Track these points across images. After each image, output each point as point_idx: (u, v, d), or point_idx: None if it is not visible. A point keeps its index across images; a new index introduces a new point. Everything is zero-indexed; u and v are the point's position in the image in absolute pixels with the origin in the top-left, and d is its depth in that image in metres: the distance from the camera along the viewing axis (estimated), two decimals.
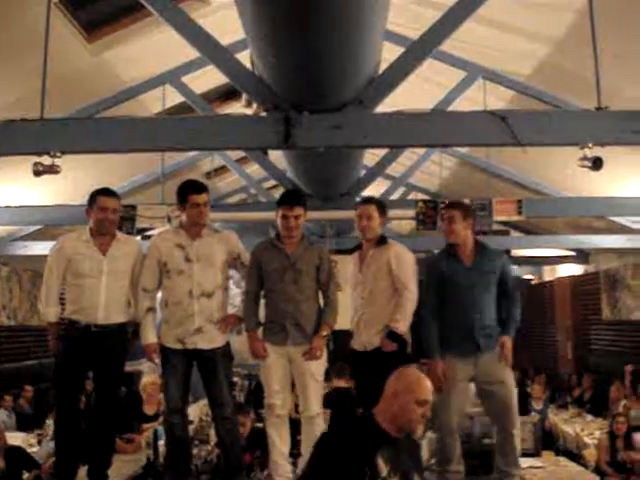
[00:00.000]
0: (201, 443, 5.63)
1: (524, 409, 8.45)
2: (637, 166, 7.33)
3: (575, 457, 7.80)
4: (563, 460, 5.95)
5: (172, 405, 4.62)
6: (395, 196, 11.60)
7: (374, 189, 9.61)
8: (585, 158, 4.60)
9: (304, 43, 3.79)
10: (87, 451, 4.77)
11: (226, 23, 6.09)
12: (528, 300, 15.39)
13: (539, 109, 6.23)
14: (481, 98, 7.00)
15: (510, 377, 4.58)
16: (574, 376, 12.02)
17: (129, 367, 6.20)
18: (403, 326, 4.55)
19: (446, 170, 11.28)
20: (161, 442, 5.35)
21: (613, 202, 7.65)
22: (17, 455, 6.35)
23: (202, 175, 10.79)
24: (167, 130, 4.75)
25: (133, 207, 7.70)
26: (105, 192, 4.71)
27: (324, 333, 4.58)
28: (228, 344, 4.73)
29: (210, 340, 4.59)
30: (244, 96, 7.15)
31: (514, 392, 4.56)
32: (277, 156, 8.69)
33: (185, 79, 7.39)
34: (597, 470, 7.30)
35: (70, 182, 6.86)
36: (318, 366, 4.60)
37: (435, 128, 4.62)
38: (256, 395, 8.47)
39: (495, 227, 8.46)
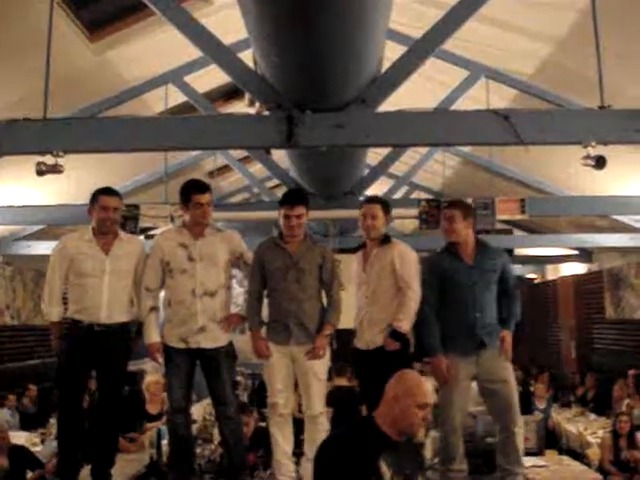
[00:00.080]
0: (204, 442, 5.65)
1: (527, 408, 8.46)
2: None
3: (578, 456, 7.78)
4: (566, 459, 5.94)
5: (175, 404, 4.63)
6: (398, 195, 11.60)
7: (377, 188, 9.61)
8: (588, 157, 4.60)
9: (307, 42, 3.79)
10: (90, 450, 4.77)
11: (229, 22, 6.10)
12: (531, 299, 15.44)
13: (542, 108, 6.22)
14: (484, 97, 7.00)
15: (512, 376, 4.59)
16: (577, 375, 12.01)
17: (132, 366, 6.23)
18: (406, 325, 4.55)
19: (449, 169, 11.27)
20: (164, 441, 5.36)
21: (616, 201, 7.65)
22: (20, 454, 6.36)
23: (205, 174, 10.79)
24: (170, 129, 4.76)
25: (136, 206, 7.71)
26: (106, 191, 4.71)
27: (327, 332, 4.58)
28: (231, 343, 4.73)
29: (213, 339, 4.59)
30: (247, 95, 7.14)
31: (516, 391, 4.57)
32: (280, 155, 8.71)
33: (188, 78, 7.39)
34: (600, 469, 7.29)
35: (73, 182, 6.87)
36: (321, 365, 4.60)
37: (438, 127, 4.62)
38: (259, 394, 8.49)
39: (498, 226, 8.47)
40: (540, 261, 14.01)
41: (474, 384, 4.66)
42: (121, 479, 5.03)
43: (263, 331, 4.66)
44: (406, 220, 11.26)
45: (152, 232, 8.51)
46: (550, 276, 15.12)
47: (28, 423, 8.50)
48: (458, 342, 4.49)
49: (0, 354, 10.00)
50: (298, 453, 4.79)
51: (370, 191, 8.38)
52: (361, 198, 7.63)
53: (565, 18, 5.93)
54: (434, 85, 8.06)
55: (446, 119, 4.80)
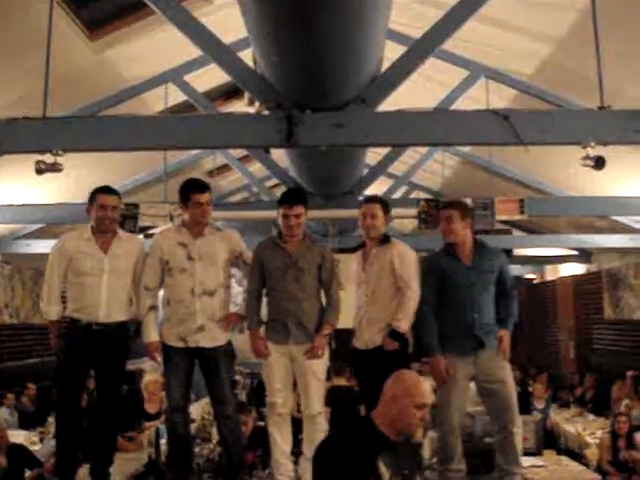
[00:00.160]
0: (203, 442, 5.64)
1: (526, 408, 8.46)
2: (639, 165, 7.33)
3: (577, 456, 7.79)
4: (565, 459, 5.94)
5: (174, 403, 4.63)
6: (397, 195, 11.59)
7: (376, 188, 9.60)
8: (588, 157, 4.60)
9: (307, 42, 3.79)
10: (89, 449, 4.77)
11: (229, 22, 6.10)
12: (530, 299, 15.45)
13: (542, 108, 6.22)
14: (483, 97, 7.00)
15: (510, 376, 4.59)
16: (576, 375, 12.01)
17: (131, 365, 6.23)
18: (405, 325, 4.55)
19: (448, 169, 11.27)
20: (163, 440, 5.35)
21: (615, 201, 7.65)
22: (19, 453, 6.36)
23: (204, 173, 10.79)
24: (169, 128, 4.76)
25: (136, 205, 7.70)
26: (105, 190, 4.71)
27: (326, 332, 4.58)
28: (230, 342, 4.73)
29: (212, 338, 4.60)
30: (246, 95, 7.15)
31: (514, 391, 4.57)
32: (279, 154, 8.70)
33: (187, 78, 7.39)
34: (599, 469, 7.30)
35: (72, 180, 6.86)
36: (320, 365, 4.60)
37: (437, 127, 4.62)
38: (258, 394, 8.49)
39: (497, 226, 8.45)
40: (539, 261, 14.01)
41: (472, 384, 4.66)
42: (120, 478, 5.03)
43: (262, 330, 4.66)
44: (405, 220, 11.25)
45: (151, 231, 8.51)
46: (549, 276, 15.12)
47: (27, 422, 8.50)
48: (456, 342, 4.50)
49: None
50: (296, 452, 4.79)
51: (369, 191, 8.38)
52: (360, 198, 7.62)
53: (565, 18, 5.92)
54: (434, 85, 8.05)
55: (446, 119, 4.80)
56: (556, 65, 6.68)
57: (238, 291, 5.23)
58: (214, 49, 4.78)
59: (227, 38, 5.39)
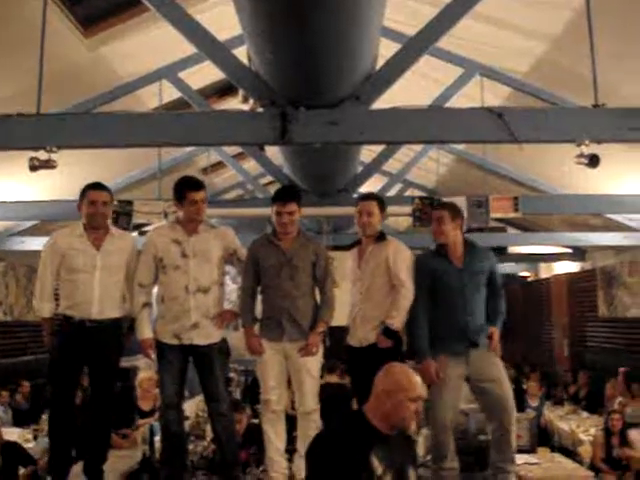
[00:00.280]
0: (197, 439, 5.65)
1: (520, 406, 8.45)
2: (634, 163, 7.34)
3: (570, 454, 7.81)
4: (558, 457, 5.95)
5: (168, 401, 4.62)
6: (392, 192, 11.58)
7: (371, 185, 9.60)
8: (582, 155, 4.61)
9: (301, 39, 3.79)
10: (82, 446, 4.76)
11: (223, 19, 6.08)
12: (524, 297, 15.49)
13: (536, 106, 6.22)
14: (478, 95, 7.00)
15: (503, 373, 4.59)
16: (570, 373, 12.05)
17: (125, 362, 6.21)
18: (399, 323, 4.55)
19: (443, 167, 11.28)
20: (157, 438, 5.35)
21: (610, 199, 7.67)
22: (13, 451, 6.36)
23: (199, 171, 10.78)
24: (164, 125, 4.74)
25: (130, 202, 7.68)
26: (94, 186, 4.69)
27: (320, 329, 4.59)
28: (224, 340, 4.73)
29: (206, 336, 4.59)
30: (241, 92, 7.12)
31: (509, 389, 4.56)
32: (274, 152, 8.69)
33: (182, 75, 7.37)
34: (592, 467, 7.33)
35: (66, 177, 6.83)
36: (314, 362, 4.60)
37: (432, 125, 4.62)
38: (252, 391, 8.49)
39: (492, 224, 8.46)
40: (533, 259, 14.03)
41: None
42: (113, 475, 5.02)
43: (256, 328, 4.65)
44: (400, 217, 11.25)
45: (145, 228, 8.48)
46: (543, 274, 15.14)
47: (21, 419, 8.50)
48: (449, 343, 4.49)
49: None
50: (291, 450, 4.79)
51: (364, 188, 8.38)
52: (355, 195, 7.63)
53: (560, 16, 5.93)
54: (428, 82, 8.06)
55: (440, 116, 4.80)
56: (551, 63, 6.68)
57: (232, 288, 5.23)
58: (209, 46, 4.77)
59: (222, 35, 5.38)
